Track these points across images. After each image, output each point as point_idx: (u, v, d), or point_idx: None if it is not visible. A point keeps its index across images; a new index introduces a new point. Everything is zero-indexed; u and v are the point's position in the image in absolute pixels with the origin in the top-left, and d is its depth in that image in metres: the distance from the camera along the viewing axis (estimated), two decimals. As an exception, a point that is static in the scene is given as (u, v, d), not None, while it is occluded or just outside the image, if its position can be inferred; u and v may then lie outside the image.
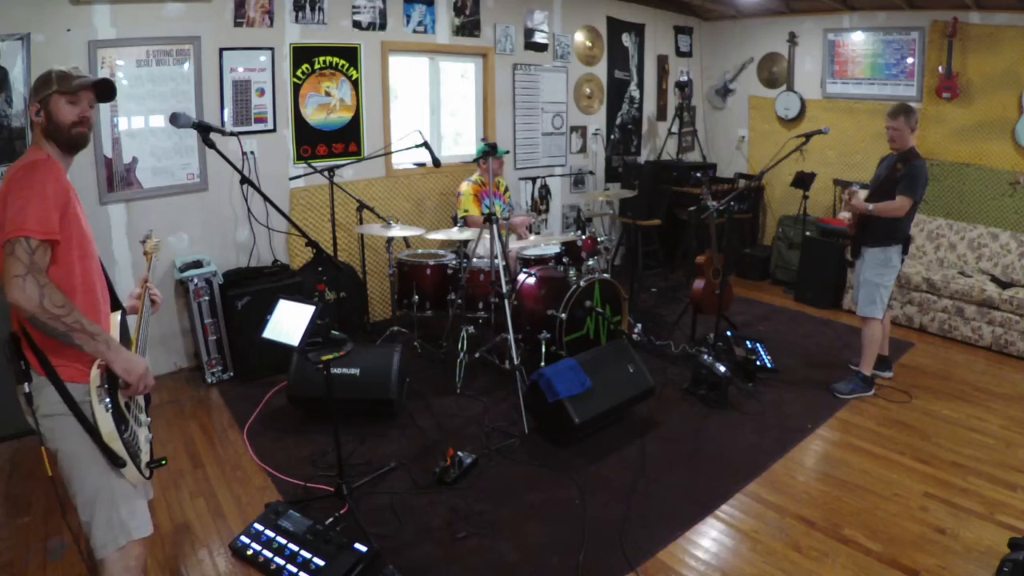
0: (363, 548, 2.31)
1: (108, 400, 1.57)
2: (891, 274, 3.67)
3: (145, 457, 1.74)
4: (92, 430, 1.58)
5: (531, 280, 4.00)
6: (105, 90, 1.74)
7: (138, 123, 3.72)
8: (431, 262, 4.09)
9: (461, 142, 5.52)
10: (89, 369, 1.58)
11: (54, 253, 1.57)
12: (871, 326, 3.71)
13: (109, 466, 1.62)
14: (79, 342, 1.54)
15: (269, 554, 2.33)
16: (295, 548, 2.33)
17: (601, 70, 6.18)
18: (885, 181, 3.59)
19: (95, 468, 1.62)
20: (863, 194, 3.62)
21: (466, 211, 4.46)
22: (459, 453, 2.96)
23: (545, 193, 5.92)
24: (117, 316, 1.81)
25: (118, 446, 1.59)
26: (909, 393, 3.81)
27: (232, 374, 3.93)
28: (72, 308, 1.53)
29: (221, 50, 3.92)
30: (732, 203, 4.24)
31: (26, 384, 1.57)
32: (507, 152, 4.85)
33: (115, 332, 1.74)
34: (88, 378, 1.58)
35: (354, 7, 4.44)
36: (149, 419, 1.87)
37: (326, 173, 4.06)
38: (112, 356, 1.59)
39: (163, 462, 1.77)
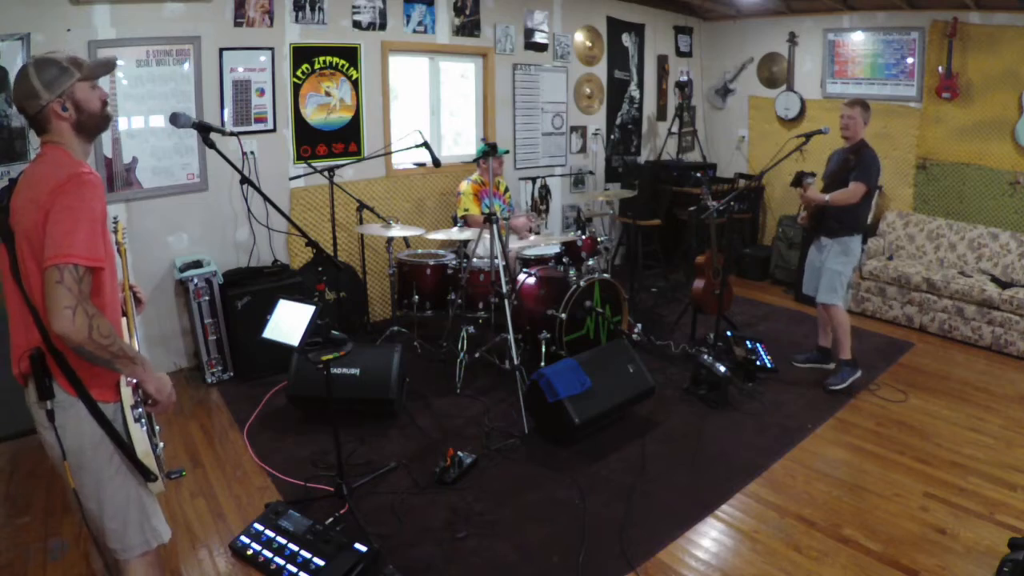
0: (363, 548, 2.31)
1: (144, 419, 1.60)
2: (852, 263, 3.83)
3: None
4: (125, 447, 1.59)
5: (531, 280, 4.01)
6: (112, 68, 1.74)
7: (138, 123, 3.72)
8: (431, 262, 4.09)
9: (461, 142, 5.51)
10: (115, 388, 1.59)
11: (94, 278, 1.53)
12: (835, 313, 3.83)
13: (137, 479, 1.65)
14: (119, 366, 1.54)
15: (269, 554, 2.33)
16: (295, 548, 2.33)
17: (601, 70, 6.18)
18: (838, 172, 3.74)
19: (125, 481, 1.64)
20: (817, 187, 3.80)
21: (466, 210, 4.46)
22: (459, 453, 2.96)
23: (545, 193, 5.92)
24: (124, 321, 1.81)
25: (151, 461, 1.62)
26: (907, 393, 3.81)
27: (232, 374, 3.93)
28: (116, 336, 1.50)
29: (221, 50, 3.92)
30: (732, 203, 4.24)
31: (48, 401, 1.53)
32: (507, 152, 4.84)
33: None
34: (116, 397, 1.59)
35: (354, 7, 4.44)
36: (160, 429, 1.89)
37: (326, 173, 4.06)
38: (147, 376, 1.60)
39: (183, 473, 1.80)
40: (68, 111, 1.56)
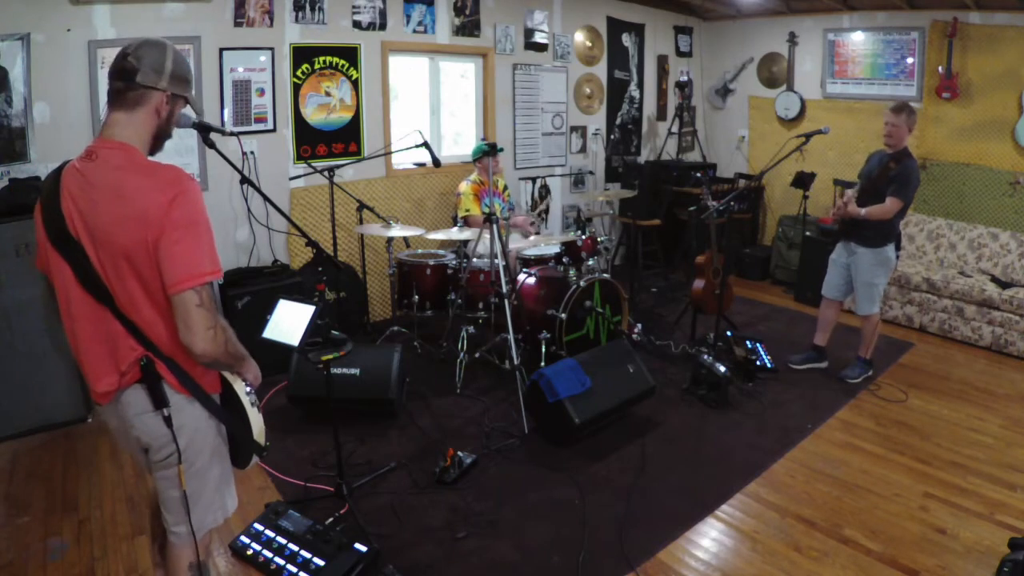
0: (363, 548, 2.31)
1: (257, 401, 1.70)
2: (888, 272, 3.84)
3: None
4: (240, 430, 1.66)
5: (531, 280, 4.01)
6: None
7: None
8: (431, 262, 4.09)
9: (461, 142, 5.51)
10: (218, 379, 1.65)
11: None
12: (872, 320, 3.87)
13: (224, 462, 1.71)
14: (237, 366, 1.61)
15: (269, 554, 2.33)
16: (295, 548, 2.33)
17: (601, 70, 6.18)
18: (877, 179, 3.66)
19: (218, 466, 1.69)
20: (852, 195, 3.75)
21: (467, 211, 4.45)
22: (459, 453, 2.96)
23: (545, 193, 5.92)
24: None
25: (263, 438, 1.70)
26: (907, 393, 3.81)
27: (232, 374, 3.92)
28: (236, 340, 1.57)
29: (221, 50, 3.92)
30: (732, 203, 4.24)
31: (165, 409, 1.51)
32: (502, 149, 4.84)
33: None
34: (219, 387, 1.65)
35: (354, 7, 4.44)
36: None
37: (326, 173, 4.06)
38: (249, 366, 1.67)
39: (268, 445, 1.84)
40: (162, 112, 1.52)
